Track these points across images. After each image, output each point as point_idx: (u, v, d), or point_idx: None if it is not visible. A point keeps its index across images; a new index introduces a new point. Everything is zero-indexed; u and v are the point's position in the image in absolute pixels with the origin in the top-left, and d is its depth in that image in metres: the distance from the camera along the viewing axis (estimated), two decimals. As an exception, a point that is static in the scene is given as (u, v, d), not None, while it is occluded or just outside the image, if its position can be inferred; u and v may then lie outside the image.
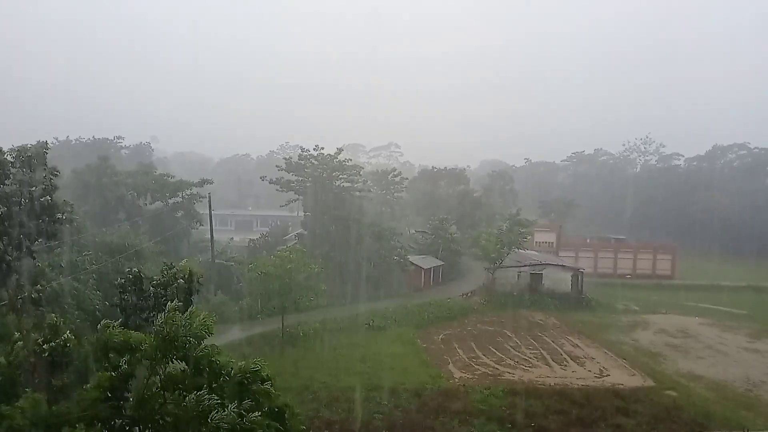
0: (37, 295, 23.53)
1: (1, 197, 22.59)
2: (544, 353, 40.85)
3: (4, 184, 22.91)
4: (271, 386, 17.09)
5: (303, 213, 69.61)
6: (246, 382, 16.17)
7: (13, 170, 23.27)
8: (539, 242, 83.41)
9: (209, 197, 53.96)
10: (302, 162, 66.80)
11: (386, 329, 45.74)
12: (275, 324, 42.58)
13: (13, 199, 22.95)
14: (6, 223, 22.50)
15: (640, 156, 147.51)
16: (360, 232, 62.41)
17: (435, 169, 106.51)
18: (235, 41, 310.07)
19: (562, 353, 41.13)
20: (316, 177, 65.58)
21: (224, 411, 14.80)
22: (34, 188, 23.32)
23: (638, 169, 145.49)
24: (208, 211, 53.45)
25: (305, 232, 65.05)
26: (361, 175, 71.43)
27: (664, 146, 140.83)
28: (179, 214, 60.97)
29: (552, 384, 34.24)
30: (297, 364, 35.83)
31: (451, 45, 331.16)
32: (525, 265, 63.09)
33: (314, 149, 66.13)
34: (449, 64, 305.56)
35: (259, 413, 15.51)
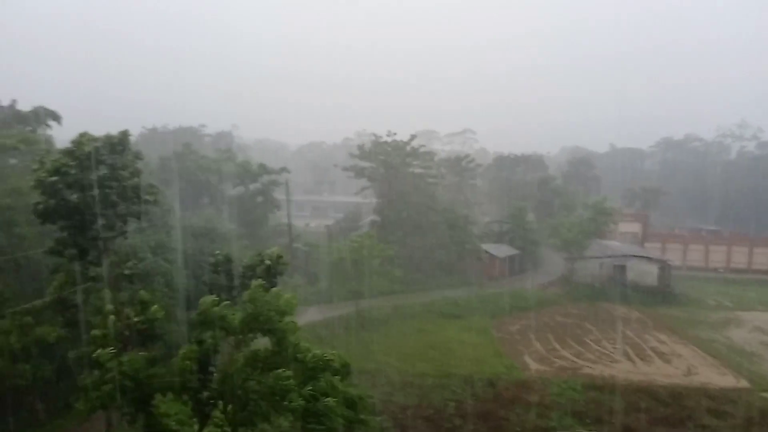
0: (129, 272, 25.03)
1: (96, 181, 24.03)
2: (627, 348, 38.99)
3: (97, 170, 24.35)
4: (345, 376, 17.28)
5: (376, 199, 69.98)
6: (319, 368, 16.50)
7: (103, 156, 24.69)
8: (623, 232, 79.22)
9: (287, 183, 55.33)
10: (375, 149, 67.00)
11: (460, 317, 45.27)
12: (349, 308, 43.21)
13: (106, 183, 24.39)
14: (101, 205, 23.96)
15: (735, 141, 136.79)
16: (433, 219, 61.96)
17: (511, 156, 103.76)
18: (313, 41, 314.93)
19: (647, 349, 39.09)
20: (389, 164, 65.56)
21: (299, 393, 15.21)
22: (122, 172, 24.63)
23: (733, 156, 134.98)
24: (285, 197, 54.85)
25: (379, 219, 65.34)
26: (434, 162, 70.73)
27: (762, 131, 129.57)
28: (259, 200, 62.95)
29: (635, 380, 32.65)
30: (371, 347, 36.21)
31: (528, 24, 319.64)
32: (607, 256, 60.31)
33: (387, 135, 66.17)
34: (525, 44, 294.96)
35: (333, 399, 15.81)
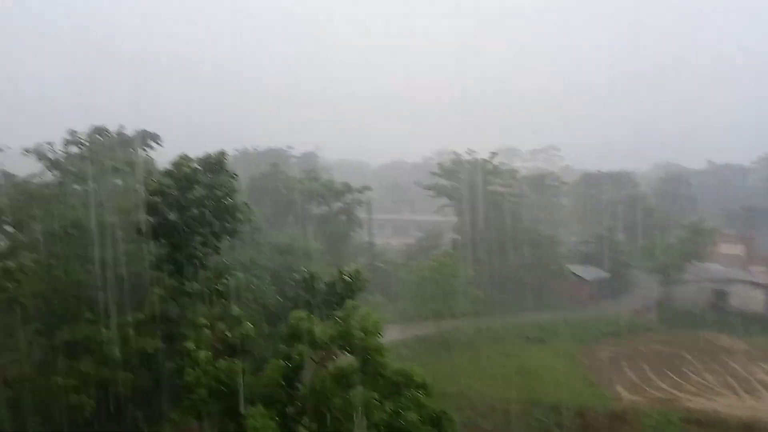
0: (222, 288, 26.12)
1: (194, 201, 25.40)
2: (731, 380, 35.86)
3: (194, 189, 25.73)
4: (426, 393, 17.19)
5: (456, 218, 69.36)
6: (402, 384, 16.50)
7: (201, 176, 26.06)
8: (724, 255, 73.56)
9: (368, 202, 56.10)
10: (455, 167, 66.61)
11: (545, 342, 43.57)
12: (430, 328, 42.76)
13: (202, 202, 25.70)
14: (198, 224, 25.28)
15: None
16: (516, 238, 60.41)
17: (599, 173, 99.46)
18: (392, 62, 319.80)
19: (754, 382, 35.76)
20: (469, 182, 64.93)
21: (382, 409, 15.22)
22: (217, 191, 25.86)
23: None
24: (367, 216, 55.57)
25: (459, 238, 64.62)
26: (516, 180, 69.29)
27: None
28: (342, 218, 64.18)
29: (741, 416, 29.87)
30: (453, 369, 35.53)
31: (614, 29, 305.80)
32: (708, 280, 56.08)
33: (467, 153, 65.66)
34: (613, 51, 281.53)
35: (417, 416, 15.68)
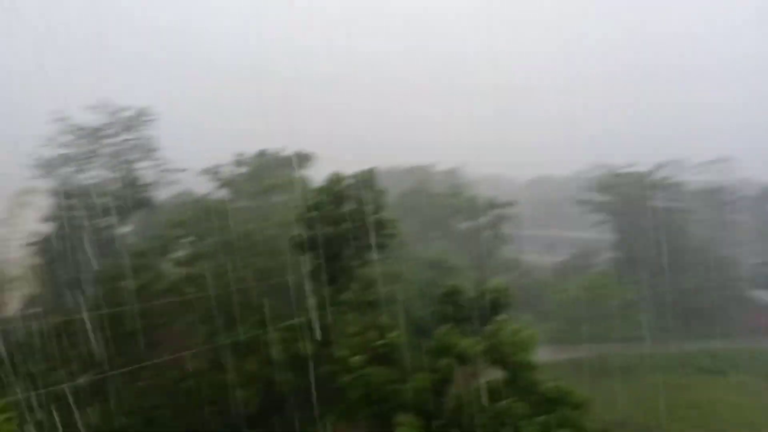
0: (372, 298, 27.01)
1: (346, 216, 26.71)
2: None
3: (345, 204, 27.08)
4: (581, 414, 16.38)
5: (614, 236, 64.67)
6: (556, 401, 15.81)
7: (352, 192, 27.35)
8: None
9: (515, 218, 54.55)
10: (612, 181, 62.32)
11: (722, 374, 38.55)
12: (583, 352, 40.07)
13: (353, 216, 26.93)
14: (349, 237, 26.53)
15: None
16: (684, 259, 54.69)
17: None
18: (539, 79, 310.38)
19: None
20: (628, 197, 60.28)
21: (533, 423, 14.68)
22: (367, 207, 26.93)
23: None
24: (513, 232, 54.04)
25: (617, 257, 60.09)
26: (683, 194, 62.87)
27: None
28: (487, 234, 63.23)
29: None
30: (611, 397, 32.78)
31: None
32: None
33: (627, 166, 61.04)
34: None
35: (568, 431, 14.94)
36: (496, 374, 17.84)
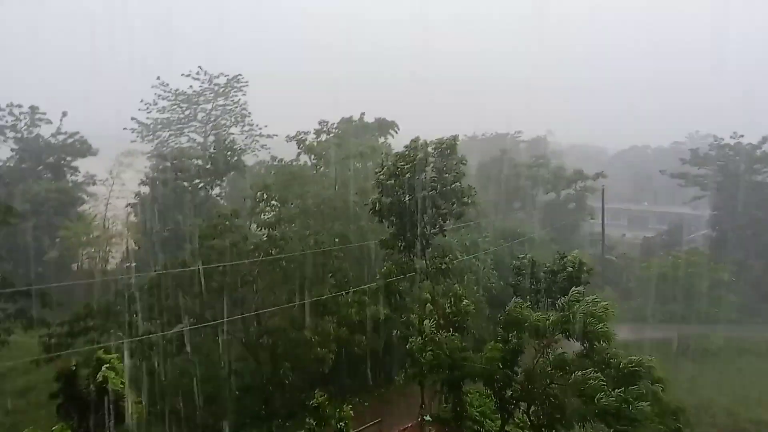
0: (446, 267, 27.15)
1: (424, 183, 26.71)
2: None
3: (425, 172, 26.99)
4: (662, 389, 16.08)
5: (711, 212, 60.51)
6: (637, 374, 15.56)
7: (432, 159, 27.21)
8: None
9: (602, 190, 52.25)
10: (713, 153, 57.96)
11: (824, 364, 35.68)
12: (669, 332, 38.34)
13: (432, 184, 26.89)
14: (427, 205, 26.60)
15: None
16: (790, 239, 50.49)
17: None
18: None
19: None
20: (730, 171, 55.95)
21: (610, 395, 14.56)
22: (447, 175, 26.76)
23: None
24: (600, 205, 51.88)
25: (713, 234, 56.37)
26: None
27: None
28: (571, 206, 61.14)
29: None
30: (694, 380, 31.40)
31: None
32: None
33: (731, 137, 56.42)
34: None
35: (649, 405, 14.72)
36: (572, 347, 17.68)
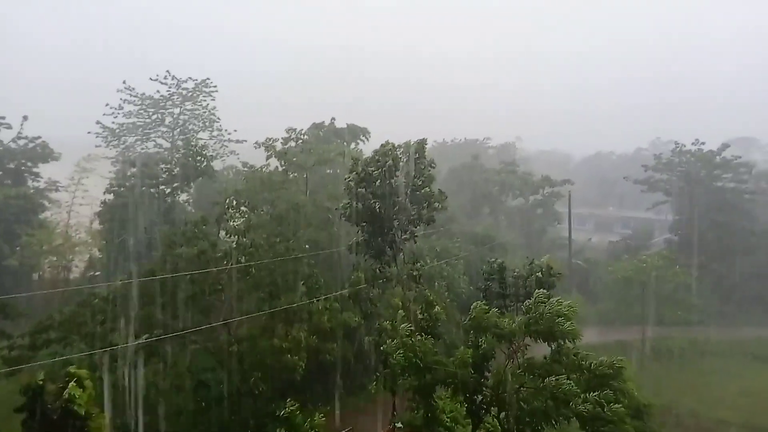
0: (416, 273, 27.21)
1: (394, 189, 26.69)
2: None
3: (394, 177, 26.91)
4: (634, 389, 16.48)
5: (673, 216, 62.28)
6: (607, 375, 15.84)
7: (401, 163, 27.13)
8: None
9: (569, 196, 53.31)
10: (675, 159, 59.69)
11: (781, 364, 36.99)
12: (634, 334, 39.22)
13: (402, 188, 26.85)
14: (397, 210, 26.57)
15: None
16: (748, 243, 52.29)
17: None
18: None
19: None
20: (691, 176, 57.69)
21: (584, 399, 14.76)
22: (416, 179, 26.73)
23: None
24: (567, 210, 52.91)
25: (675, 238, 57.99)
26: (752, 175, 59.49)
27: None
28: (539, 212, 62.18)
29: None
30: (659, 382, 32.11)
31: None
32: None
33: (693, 144, 58.19)
34: None
35: (622, 408, 15.01)
36: (541, 350, 17.90)
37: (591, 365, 16.24)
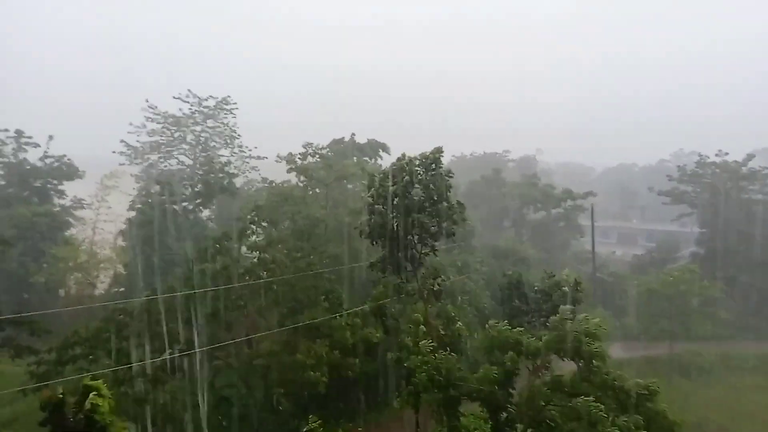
0: (438, 288, 26.91)
1: (413, 203, 26.39)
2: None
3: (413, 190, 26.60)
4: (666, 411, 16.04)
5: (699, 229, 61.08)
6: (641, 398, 15.45)
7: (418, 175, 26.76)
8: None
9: (592, 209, 52.67)
10: (699, 170, 58.71)
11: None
12: (661, 349, 38.38)
13: (421, 203, 26.53)
14: (416, 225, 26.36)
15: None
16: (776, 255, 50.98)
17: None
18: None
19: None
20: (717, 188, 56.62)
21: (613, 422, 14.40)
22: (434, 191, 26.32)
23: None
24: (590, 223, 52.25)
25: (701, 251, 56.77)
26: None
27: None
28: (561, 225, 61.52)
29: None
30: (687, 398, 31.36)
31: None
32: None
33: (716, 155, 57.25)
34: None
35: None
36: (565, 365, 17.57)
37: (624, 386, 15.83)
